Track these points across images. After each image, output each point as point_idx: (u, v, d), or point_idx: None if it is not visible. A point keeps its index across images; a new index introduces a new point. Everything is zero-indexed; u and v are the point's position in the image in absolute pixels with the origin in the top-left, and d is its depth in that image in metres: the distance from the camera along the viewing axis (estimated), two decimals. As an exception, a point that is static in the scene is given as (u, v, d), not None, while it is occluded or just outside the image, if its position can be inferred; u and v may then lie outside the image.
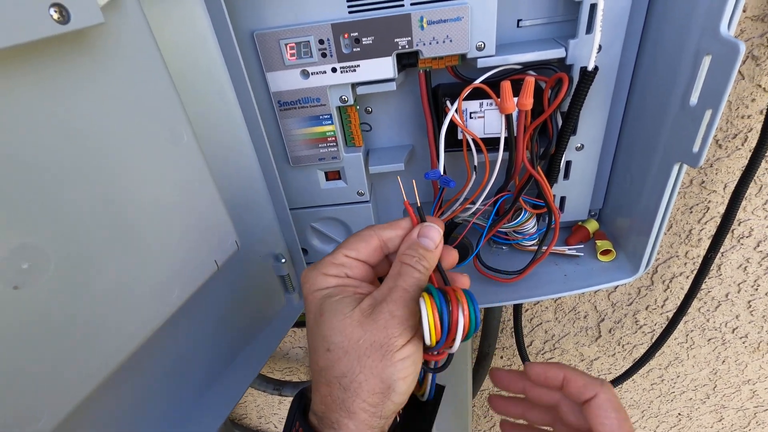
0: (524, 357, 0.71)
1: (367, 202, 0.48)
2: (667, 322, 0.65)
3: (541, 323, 0.76)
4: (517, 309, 0.67)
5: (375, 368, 0.24)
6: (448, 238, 0.51)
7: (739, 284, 0.66)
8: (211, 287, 0.35)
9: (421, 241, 0.28)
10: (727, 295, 0.68)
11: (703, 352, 0.78)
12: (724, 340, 0.76)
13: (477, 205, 0.44)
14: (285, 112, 0.41)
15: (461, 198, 0.43)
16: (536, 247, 0.47)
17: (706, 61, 0.32)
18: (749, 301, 0.69)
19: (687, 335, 0.76)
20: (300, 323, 0.46)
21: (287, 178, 0.46)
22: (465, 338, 0.25)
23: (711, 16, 0.31)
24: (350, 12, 0.36)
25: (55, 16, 0.19)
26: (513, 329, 0.70)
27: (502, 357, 0.82)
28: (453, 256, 0.31)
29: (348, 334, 0.25)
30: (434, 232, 0.29)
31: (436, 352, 0.27)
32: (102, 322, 0.25)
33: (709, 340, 0.76)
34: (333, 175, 0.46)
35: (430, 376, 0.32)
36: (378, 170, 0.45)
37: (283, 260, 0.44)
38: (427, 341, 0.24)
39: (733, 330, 0.74)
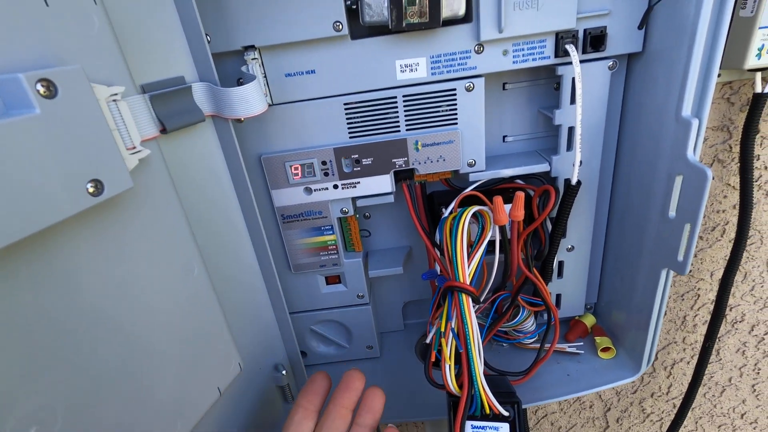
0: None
1: (366, 304, 0.48)
2: (673, 410, 0.64)
3: (546, 415, 0.73)
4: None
5: None
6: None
7: (740, 369, 0.66)
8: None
9: None
10: (730, 380, 0.67)
11: (715, 440, 0.75)
12: (734, 427, 0.73)
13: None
14: (288, 224, 0.43)
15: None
16: (537, 345, 0.47)
17: (678, 180, 0.35)
18: (753, 386, 0.68)
19: (696, 422, 0.73)
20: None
21: (288, 284, 0.46)
22: None
23: (678, 142, 0.34)
24: (351, 137, 0.39)
25: (91, 189, 0.20)
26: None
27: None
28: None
29: None
30: None
31: None
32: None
33: (719, 426, 0.74)
34: (333, 280, 0.47)
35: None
36: (378, 274, 0.46)
37: (284, 371, 0.43)
38: None
39: (742, 416, 0.72)
